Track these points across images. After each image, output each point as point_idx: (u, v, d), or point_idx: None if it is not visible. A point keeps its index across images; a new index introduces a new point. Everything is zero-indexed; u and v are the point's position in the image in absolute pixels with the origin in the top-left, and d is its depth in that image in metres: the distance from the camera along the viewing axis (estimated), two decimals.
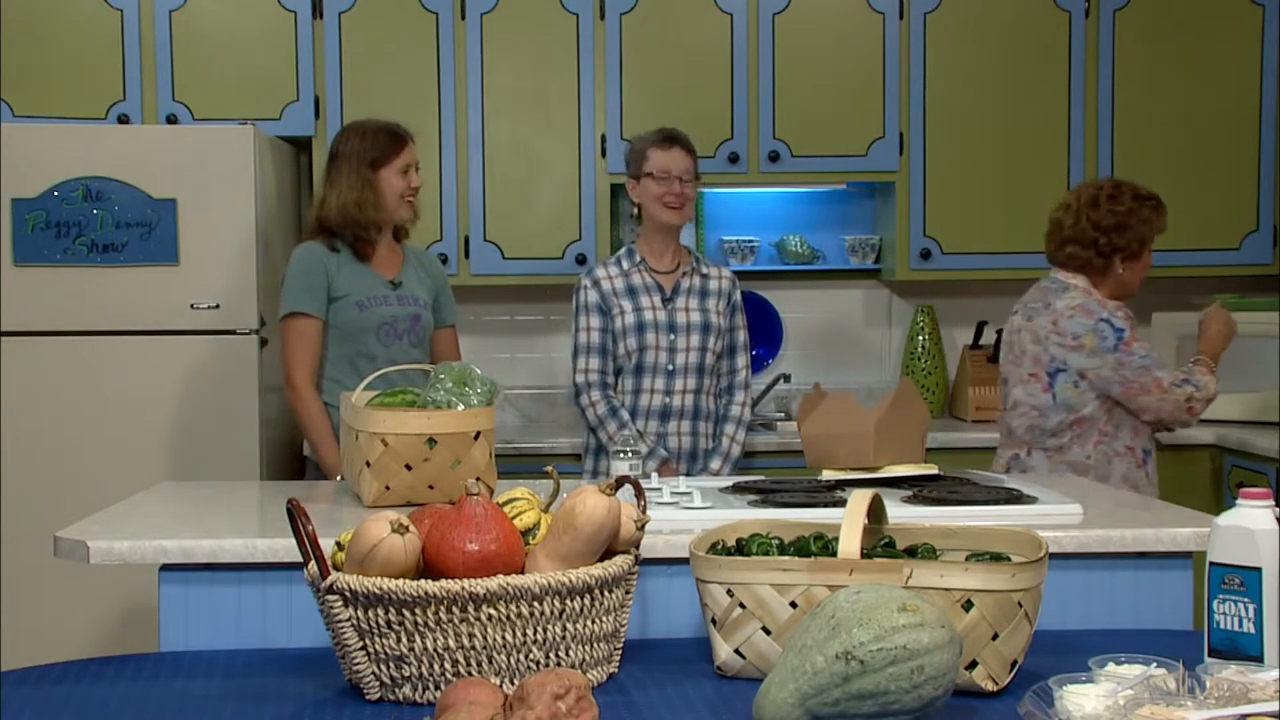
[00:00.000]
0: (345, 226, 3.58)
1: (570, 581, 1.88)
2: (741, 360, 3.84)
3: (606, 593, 1.95)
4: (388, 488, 2.79)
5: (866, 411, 3.03)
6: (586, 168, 4.58)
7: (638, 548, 2.03)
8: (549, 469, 2.23)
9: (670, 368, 3.72)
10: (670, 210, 3.71)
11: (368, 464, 2.78)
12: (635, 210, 3.81)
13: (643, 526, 2.03)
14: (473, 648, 1.86)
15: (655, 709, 1.85)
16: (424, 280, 3.73)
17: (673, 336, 3.72)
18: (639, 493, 2.07)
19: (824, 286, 5.06)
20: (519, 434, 4.54)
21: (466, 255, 4.59)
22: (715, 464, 3.77)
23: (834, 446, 3.01)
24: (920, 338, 4.93)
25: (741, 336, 3.84)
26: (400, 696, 1.89)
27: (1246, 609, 1.84)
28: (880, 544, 2.08)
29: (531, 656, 1.88)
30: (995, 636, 1.84)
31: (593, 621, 1.93)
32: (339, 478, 3.45)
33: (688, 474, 3.69)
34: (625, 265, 3.78)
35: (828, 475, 2.98)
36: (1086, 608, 2.46)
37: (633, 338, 3.70)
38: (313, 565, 1.89)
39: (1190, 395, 3.50)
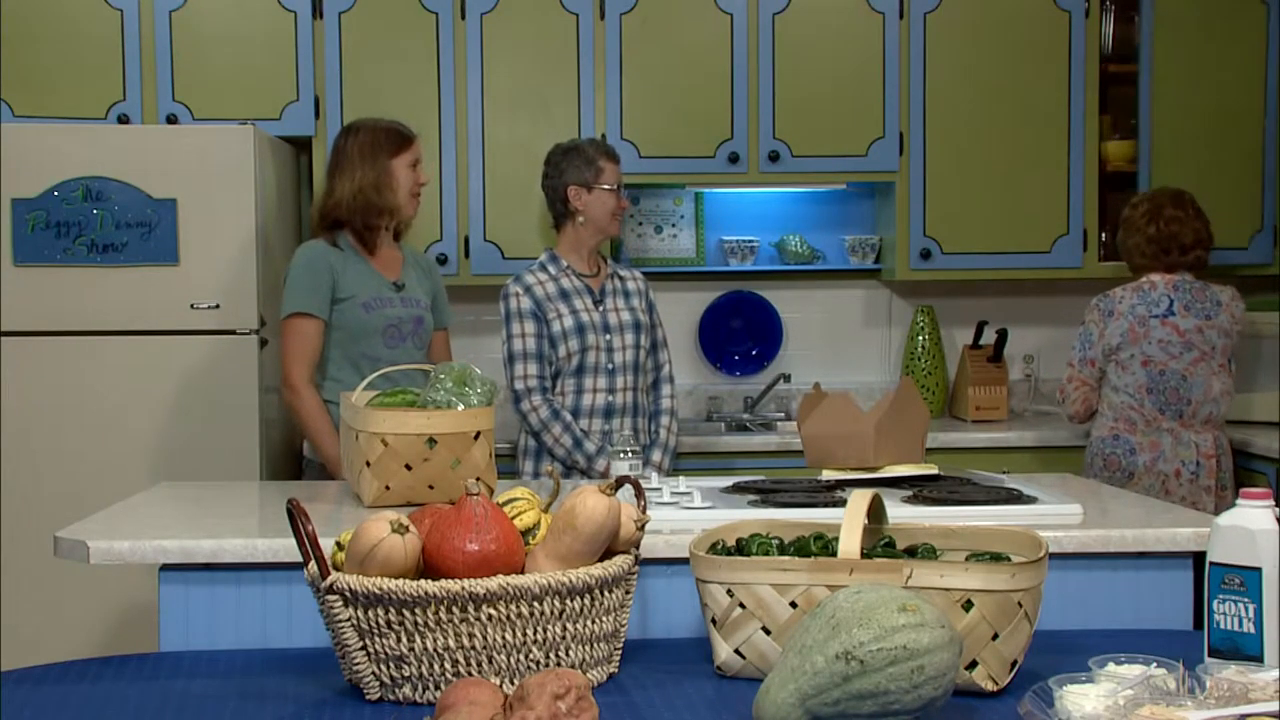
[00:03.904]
0: (356, 213, 3.58)
1: (570, 581, 1.88)
2: (664, 355, 4.00)
3: (606, 593, 1.95)
4: (388, 488, 2.79)
5: (866, 412, 3.04)
6: None
7: (638, 548, 2.03)
8: (549, 469, 2.23)
9: (610, 366, 3.80)
10: (617, 223, 3.89)
11: (368, 464, 2.78)
12: (580, 217, 3.86)
13: (643, 526, 2.03)
14: (473, 648, 1.86)
15: (655, 709, 1.85)
16: (424, 282, 3.74)
17: (609, 336, 3.81)
18: (639, 493, 2.07)
19: (824, 286, 5.06)
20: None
21: (466, 255, 4.59)
22: (656, 456, 3.86)
23: (834, 446, 3.01)
24: (920, 338, 4.93)
25: (660, 334, 4.00)
26: (400, 696, 1.89)
27: (1246, 609, 1.84)
28: (880, 544, 2.08)
29: (531, 656, 1.88)
30: (995, 636, 1.84)
31: (593, 621, 1.93)
32: (344, 476, 3.45)
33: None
34: (552, 270, 3.85)
35: (828, 475, 2.98)
36: (1086, 608, 2.46)
37: (574, 339, 3.77)
38: (313, 565, 1.89)
39: None
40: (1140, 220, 4.11)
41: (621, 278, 3.93)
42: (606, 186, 3.84)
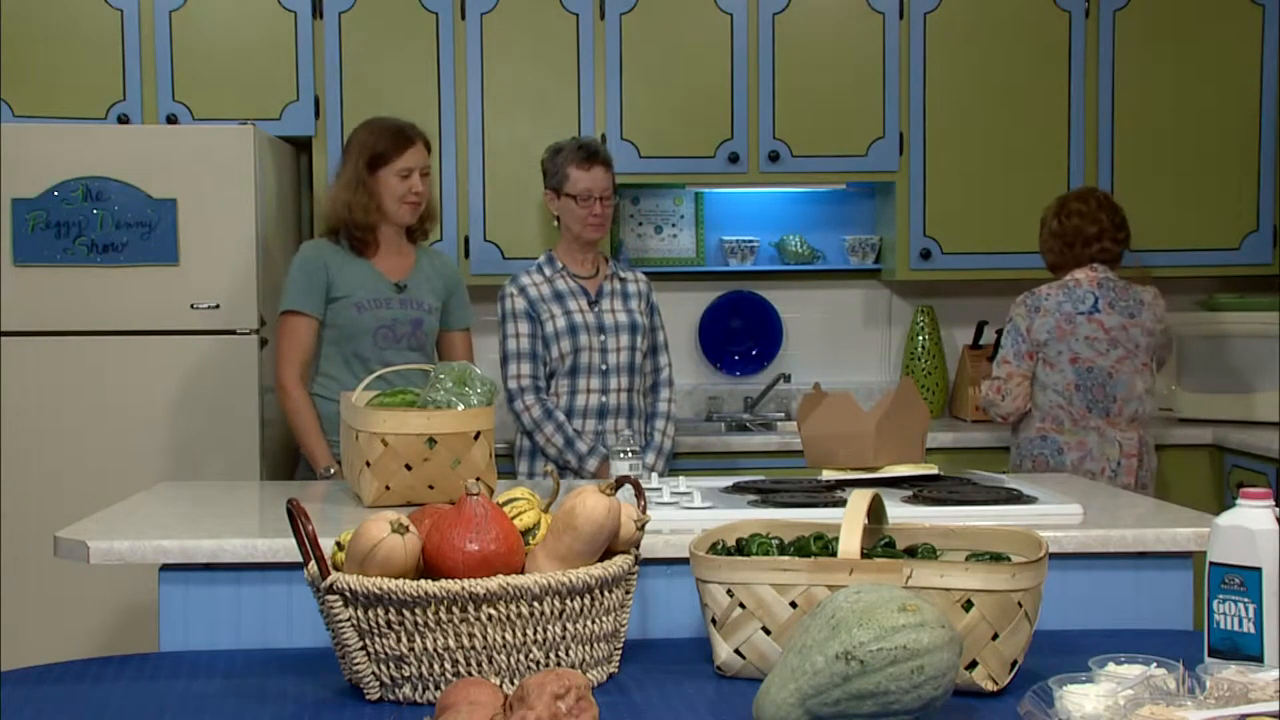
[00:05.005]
0: (339, 225, 3.61)
1: (570, 581, 1.88)
2: (664, 359, 3.95)
3: (606, 593, 1.95)
4: (388, 488, 2.79)
5: (866, 411, 3.03)
6: None
7: (638, 548, 2.03)
8: (549, 469, 2.23)
9: (604, 368, 3.78)
10: (592, 229, 3.80)
11: (368, 464, 2.78)
12: (555, 221, 3.87)
13: (643, 526, 2.03)
14: (473, 648, 1.86)
15: (655, 709, 1.85)
16: (434, 283, 3.72)
17: (603, 337, 3.78)
18: (639, 493, 2.07)
19: (824, 286, 5.06)
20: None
21: (466, 255, 4.59)
22: (650, 458, 3.83)
23: (834, 446, 3.01)
24: (920, 338, 4.93)
25: (661, 336, 3.96)
26: (400, 696, 1.89)
27: (1246, 609, 1.84)
28: (880, 544, 2.08)
29: (531, 656, 1.88)
30: (995, 636, 1.84)
31: (593, 621, 1.93)
32: (326, 469, 3.48)
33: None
34: (548, 272, 3.83)
35: (828, 475, 2.98)
36: (1086, 608, 2.46)
37: (566, 340, 3.75)
38: (313, 565, 1.89)
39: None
40: (1048, 219, 4.15)
41: (623, 279, 3.90)
42: (571, 193, 3.77)
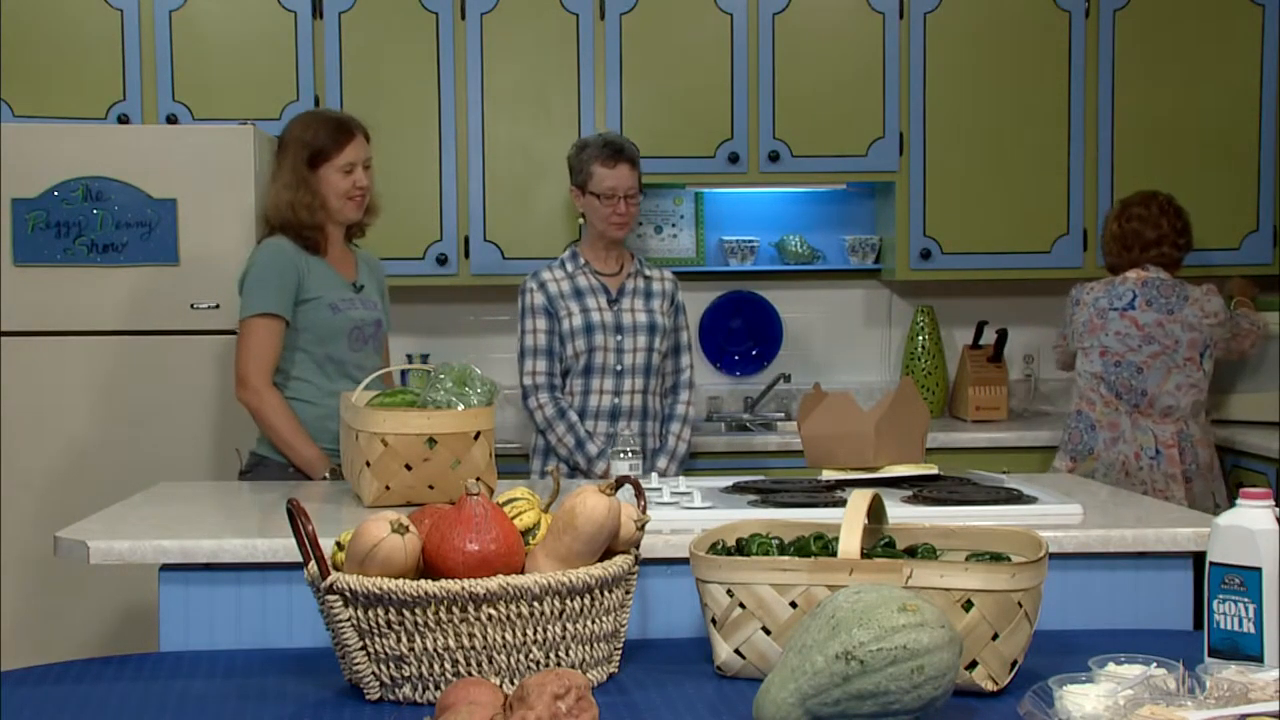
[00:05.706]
0: (284, 227, 3.43)
1: (570, 581, 1.88)
2: (685, 360, 3.91)
3: (606, 593, 1.95)
4: (388, 488, 2.79)
5: (866, 411, 3.03)
6: None
7: (638, 548, 2.03)
8: (550, 469, 2.23)
9: (619, 368, 3.75)
10: (616, 227, 3.77)
11: (368, 464, 2.78)
12: (581, 218, 3.85)
13: (643, 526, 2.03)
14: (473, 648, 1.86)
15: (655, 709, 1.85)
16: (374, 284, 3.61)
17: (619, 337, 3.75)
18: (639, 493, 2.07)
19: (824, 286, 5.06)
20: (519, 434, 4.54)
21: (466, 255, 4.59)
22: (662, 462, 3.79)
23: (834, 446, 3.01)
24: (920, 338, 4.93)
25: (684, 337, 3.92)
26: (400, 696, 1.89)
27: (1246, 609, 1.84)
28: (880, 544, 2.08)
29: (531, 656, 1.88)
30: (995, 636, 1.84)
31: (593, 621, 1.93)
32: (325, 475, 3.34)
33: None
34: (570, 268, 3.80)
35: (828, 475, 2.98)
36: (1086, 608, 2.46)
37: (581, 339, 3.73)
38: (313, 565, 1.89)
39: (1260, 325, 4.37)
40: (1110, 220, 4.30)
41: (648, 277, 3.85)
42: (596, 191, 3.74)
